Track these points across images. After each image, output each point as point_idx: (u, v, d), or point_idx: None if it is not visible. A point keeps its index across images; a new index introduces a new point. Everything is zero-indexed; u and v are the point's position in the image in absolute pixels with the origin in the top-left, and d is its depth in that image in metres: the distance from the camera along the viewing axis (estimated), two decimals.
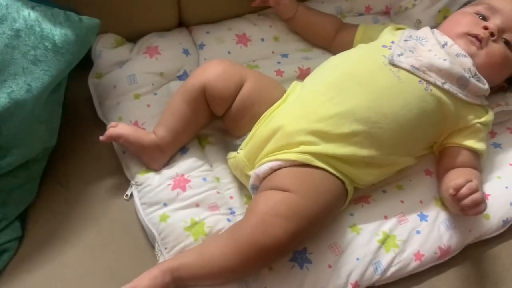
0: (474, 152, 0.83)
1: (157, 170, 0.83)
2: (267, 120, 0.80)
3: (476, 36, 0.84)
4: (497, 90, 0.92)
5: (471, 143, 0.82)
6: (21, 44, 0.72)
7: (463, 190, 0.71)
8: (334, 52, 0.96)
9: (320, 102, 0.78)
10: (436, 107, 0.79)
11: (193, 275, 0.70)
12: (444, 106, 0.80)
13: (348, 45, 0.94)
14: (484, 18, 0.86)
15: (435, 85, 0.80)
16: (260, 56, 0.99)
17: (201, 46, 0.98)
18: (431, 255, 0.79)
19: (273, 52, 1.00)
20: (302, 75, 0.94)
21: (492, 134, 0.94)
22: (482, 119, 0.83)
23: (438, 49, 0.82)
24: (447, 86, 0.80)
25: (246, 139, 0.81)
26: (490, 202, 0.83)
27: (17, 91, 0.71)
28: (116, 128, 0.81)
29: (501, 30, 0.85)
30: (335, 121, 0.76)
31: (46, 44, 0.73)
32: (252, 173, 0.78)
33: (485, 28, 0.84)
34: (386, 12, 1.09)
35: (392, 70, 0.79)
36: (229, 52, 0.98)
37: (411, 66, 0.80)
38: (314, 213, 0.71)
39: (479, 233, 0.82)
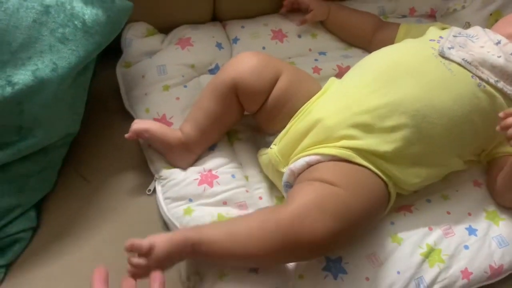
0: None
1: (184, 168, 0.78)
2: (304, 114, 0.74)
3: None
4: None
5: None
6: (49, 21, 0.68)
7: None
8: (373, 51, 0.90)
9: (365, 93, 0.72)
10: (489, 105, 0.73)
11: (214, 253, 0.62)
12: (497, 105, 0.73)
13: (389, 44, 0.88)
14: None
15: (488, 82, 0.73)
16: (296, 53, 0.94)
17: (235, 40, 0.94)
18: (481, 274, 0.71)
19: (310, 50, 0.95)
20: (341, 73, 0.88)
21: None
22: None
23: (491, 45, 0.76)
24: (500, 85, 0.73)
25: (281, 134, 0.75)
26: None
27: (42, 69, 0.67)
28: (141, 123, 0.77)
29: None
30: (381, 113, 0.69)
31: (76, 23, 0.70)
32: (286, 169, 0.72)
33: None
34: (431, 15, 1.04)
35: (443, 62, 0.73)
36: (263, 48, 0.93)
37: (463, 59, 0.74)
38: (360, 214, 0.64)
39: None
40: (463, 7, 0.97)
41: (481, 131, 0.74)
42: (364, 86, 0.73)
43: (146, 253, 0.59)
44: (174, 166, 0.78)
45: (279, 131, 0.76)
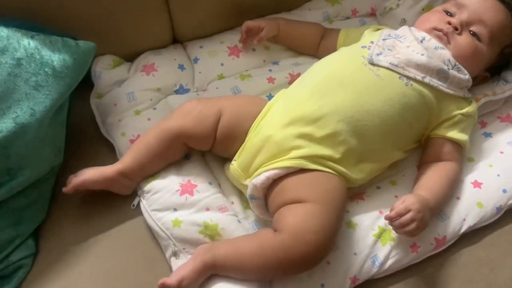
0: (456, 143, 0.85)
1: (127, 195, 0.86)
2: (256, 130, 0.84)
3: (441, 31, 0.88)
4: (481, 81, 0.95)
5: (452, 133, 0.85)
6: (22, 72, 0.77)
7: (392, 214, 0.75)
8: (321, 58, 0.99)
9: (305, 108, 0.81)
10: (418, 101, 0.82)
11: (227, 270, 0.75)
12: (426, 99, 0.83)
13: (333, 50, 0.97)
14: (452, 14, 0.90)
15: (415, 79, 0.83)
16: (252, 65, 1.03)
17: (195, 60, 1.03)
18: (427, 246, 0.81)
19: (264, 61, 1.04)
20: (293, 81, 0.96)
21: (483, 124, 0.97)
22: (464, 110, 0.86)
23: (415, 44, 0.86)
24: (427, 79, 0.83)
25: (239, 150, 0.84)
26: (482, 190, 0.87)
27: (21, 115, 0.76)
28: (78, 177, 0.82)
29: (468, 23, 0.89)
30: (320, 124, 0.79)
31: (46, 69, 0.78)
32: (248, 183, 0.81)
33: (449, 23, 0.88)
34: (372, 14, 1.13)
35: (371, 69, 0.83)
36: (222, 64, 1.02)
37: (390, 63, 0.83)
38: (336, 217, 0.75)
39: (473, 222, 0.84)
40: (398, 5, 1.06)
41: (415, 124, 0.84)
42: (304, 100, 0.82)
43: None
44: (118, 193, 0.86)
45: (235, 154, 0.85)
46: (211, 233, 0.80)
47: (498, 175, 0.88)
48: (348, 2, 1.12)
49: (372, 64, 0.84)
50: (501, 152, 0.91)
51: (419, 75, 0.83)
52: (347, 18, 1.12)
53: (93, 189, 0.84)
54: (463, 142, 0.86)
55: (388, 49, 0.86)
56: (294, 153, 0.79)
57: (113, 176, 0.83)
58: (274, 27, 1.02)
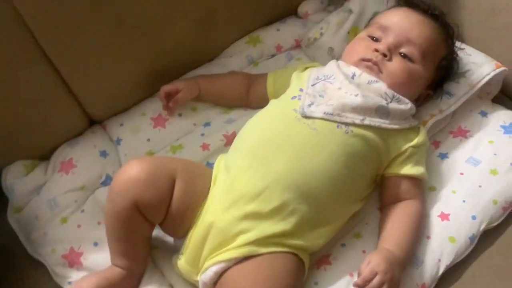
0: (413, 178, 0.79)
1: None
2: (200, 218, 0.74)
3: (370, 60, 0.81)
4: (425, 99, 0.89)
5: (407, 169, 0.79)
6: None
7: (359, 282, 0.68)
8: (254, 108, 0.92)
9: (244, 182, 0.73)
10: (363, 146, 0.76)
11: None
12: (371, 142, 0.76)
13: (264, 98, 0.89)
14: (377, 39, 0.84)
15: (354, 124, 0.76)
16: (182, 132, 0.93)
17: (118, 141, 0.92)
18: None
19: (194, 124, 0.95)
20: (229, 141, 0.88)
21: (436, 144, 0.91)
22: (414, 142, 0.80)
23: (347, 84, 0.79)
24: (367, 121, 0.76)
25: (185, 244, 0.75)
26: (451, 222, 0.81)
27: None
28: None
29: (396, 46, 0.82)
30: (265, 197, 0.71)
31: None
32: (199, 278, 0.73)
33: (376, 50, 0.81)
34: (297, 46, 1.05)
35: (306, 123, 0.76)
36: (148, 140, 0.92)
37: (324, 113, 0.76)
38: None
39: (449, 260, 0.78)
40: (321, 34, 0.99)
41: (365, 172, 0.78)
42: (241, 173, 0.74)
43: None
44: None
45: (186, 234, 0.76)
46: None
47: (464, 201, 0.82)
48: (270, 39, 1.04)
49: (306, 117, 0.76)
50: (461, 173, 0.85)
51: (357, 118, 0.76)
52: (273, 56, 1.04)
53: None
54: (420, 176, 0.80)
55: (320, 96, 0.79)
56: (241, 239, 0.70)
57: (121, 281, 0.75)
58: (194, 87, 0.93)
